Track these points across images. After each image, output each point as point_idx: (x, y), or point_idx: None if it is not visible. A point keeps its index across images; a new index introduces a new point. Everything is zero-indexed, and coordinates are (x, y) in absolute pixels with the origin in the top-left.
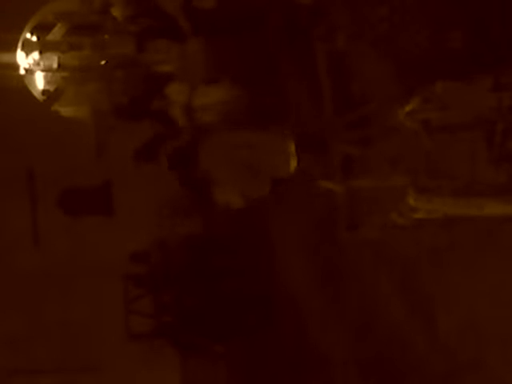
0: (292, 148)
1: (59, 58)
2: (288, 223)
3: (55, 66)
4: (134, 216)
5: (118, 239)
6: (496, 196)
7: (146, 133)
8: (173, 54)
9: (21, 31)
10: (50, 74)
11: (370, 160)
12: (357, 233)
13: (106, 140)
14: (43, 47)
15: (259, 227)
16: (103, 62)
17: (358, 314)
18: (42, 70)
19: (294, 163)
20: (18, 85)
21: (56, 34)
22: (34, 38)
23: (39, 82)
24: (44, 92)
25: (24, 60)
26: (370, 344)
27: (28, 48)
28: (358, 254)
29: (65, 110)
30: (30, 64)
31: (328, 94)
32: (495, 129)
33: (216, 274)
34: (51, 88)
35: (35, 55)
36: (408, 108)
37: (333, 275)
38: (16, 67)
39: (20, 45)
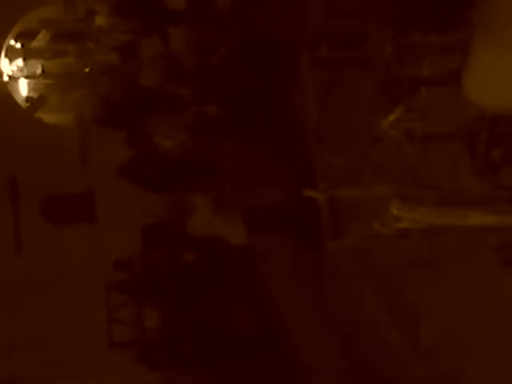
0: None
1: (43, 65)
2: (272, 232)
3: (39, 72)
4: (117, 224)
5: (101, 247)
6: (479, 206)
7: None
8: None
9: (4, 38)
10: (33, 80)
11: (353, 170)
12: (340, 242)
13: (89, 147)
14: (27, 54)
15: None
16: (87, 70)
17: (341, 323)
18: (26, 77)
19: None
20: (2, 91)
21: (40, 41)
22: (18, 45)
23: (23, 88)
24: (27, 99)
25: (8, 67)
26: (353, 353)
27: (12, 55)
28: (342, 262)
29: (48, 117)
30: (14, 71)
31: (314, 103)
32: (478, 139)
33: (199, 283)
34: (35, 95)
35: (19, 62)
36: (391, 118)
37: (316, 284)
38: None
39: (4, 51)
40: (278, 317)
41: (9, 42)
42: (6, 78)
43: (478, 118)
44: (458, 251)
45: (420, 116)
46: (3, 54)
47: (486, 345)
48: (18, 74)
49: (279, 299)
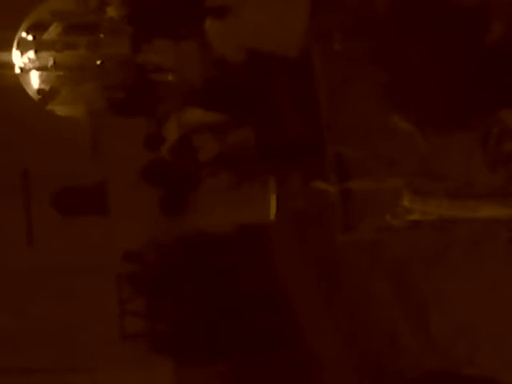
0: (273, 198)
1: (55, 57)
2: (284, 225)
3: (51, 64)
4: (129, 216)
5: (113, 239)
6: (490, 198)
7: (141, 133)
8: (169, 53)
9: (16, 30)
10: (45, 73)
11: (365, 162)
12: (352, 234)
13: (101, 139)
14: (39, 46)
15: (255, 229)
16: (99, 62)
17: (352, 316)
18: (38, 69)
19: (273, 211)
20: (13, 84)
21: (51, 33)
22: (30, 37)
23: (34, 81)
24: (39, 91)
25: (19, 59)
26: (364, 345)
27: (23, 47)
28: (353, 254)
29: (60, 109)
30: (26, 63)
31: (324, 97)
32: (490, 132)
33: (211, 274)
34: (46, 87)
35: (30, 54)
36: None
37: (328, 276)
38: (11, 66)
39: (15, 44)
40: (288, 310)
41: (20, 34)
42: (17, 71)
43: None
44: (469, 243)
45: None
46: (15, 46)
47: (496, 335)
48: (30, 66)
49: (291, 290)
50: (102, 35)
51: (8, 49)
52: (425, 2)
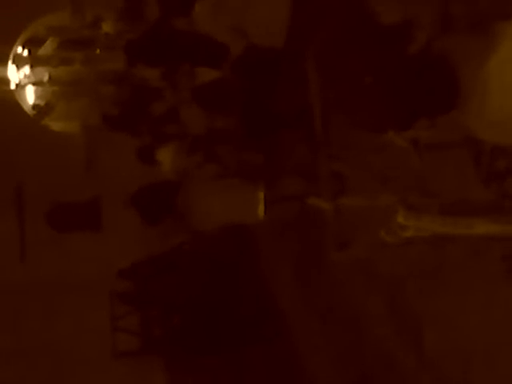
0: (261, 196)
1: (50, 72)
2: (277, 240)
3: (46, 80)
4: (123, 232)
5: (106, 255)
6: (485, 215)
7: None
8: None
9: (12, 45)
10: (40, 88)
11: (358, 178)
12: (346, 251)
13: (96, 155)
14: (34, 61)
15: (248, 243)
16: (94, 77)
17: (344, 332)
18: (33, 84)
19: (261, 211)
20: (8, 99)
21: (47, 48)
22: (25, 52)
23: (30, 96)
24: (34, 106)
25: (15, 74)
26: (356, 362)
27: (19, 62)
28: (347, 271)
29: (55, 125)
30: (21, 78)
31: (318, 111)
32: (483, 149)
33: (204, 290)
34: (42, 102)
35: (26, 69)
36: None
37: (321, 293)
38: (6, 81)
39: (11, 59)
40: (283, 323)
41: (16, 49)
42: (12, 86)
43: None
44: (464, 260)
45: (426, 124)
46: (10, 61)
47: (491, 354)
48: (25, 82)
49: (284, 307)
50: (97, 51)
51: (4, 64)
52: (355, 21)
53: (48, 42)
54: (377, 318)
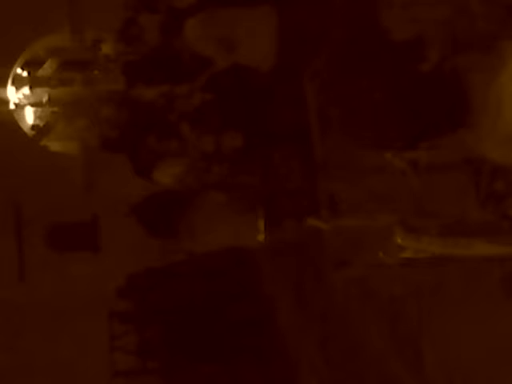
0: (260, 224)
1: (49, 93)
2: (276, 259)
3: (45, 100)
4: (121, 252)
5: (105, 275)
6: (483, 236)
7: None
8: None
9: (11, 66)
10: (39, 109)
11: (357, 199)
12: (344, 271)
13: (94, 176)
14: (33, 82)
15: (247, 262)
16: (93, 98)
17: (343, 352)
18: (32, 105)
19: (261, 237)
20: (8, 119)
21: (47, 69)
22: (25, 73)
23: (29, 116)
24: (33, 127)
25: (14, 95)
26: (356, 381)
27: (18, 83)
28: (345, 292)
29: (54, 145)
30: (20, 99)
31: (317, 130)
32: (482, 170)
33: (203, 309)
34: (41, 123)
35: (25, 90)
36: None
37: (320, 312)
38: (6, 102)
39: (10, 79)
40: (281, 341)
41: (15, 70)
42: (12, 106)
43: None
44: (462, 281)
45: (424, 146)
46: (10, 82)
47: (490, 372)
48: (24, 102)
49: (283, 326)
50: (96, 72)
51: (3, 85)
52: (366, 37)
53: (47, 63)
54: (376, 337)
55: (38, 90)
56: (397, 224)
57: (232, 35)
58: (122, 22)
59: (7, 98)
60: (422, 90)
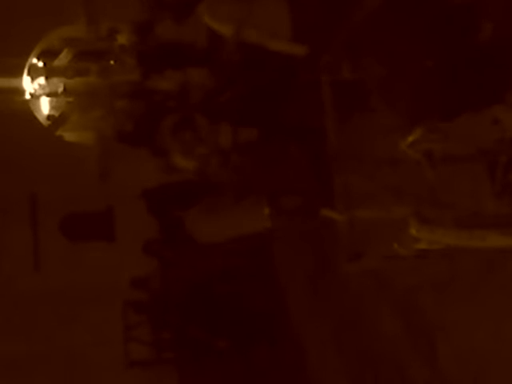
0: (272, 215)
1: (65, 83)
2: (289, 252)
3: (61, 91)
4: (136, 242)
5: (120, 265)
6: (498, 228)
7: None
8: (178, 81)
9: (27, 56)
10: (55, 99)
11: (371, 190)
12: (358, 263)
13: (110, 166)
14: (49, 73)
15: (260, 255)
16: (109, 88)
17: (357, 345)
18: (48, 95)
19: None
20: (23, 109)
21: (62, 59)
22: (41, 64)
23: (44, 107)
24: (49, 117)
25: (30, 85)
26: (369, 373)
27: (34, 73)
28: (359, 283)
29: (69, 136)
30: (36, 89)
31: (332, 124)
32: (498, 161)
33: (217, 300)
34: (56, 113)
35: (41, 80)
36: (411, 138)
37: (333, 304)
38: (21, 92)
39: (26, 70)
40: (294, 334)
41: (31, 61)
42: (27, 96)
43: (498, 140)
44: (477, 273)
45: (440, 137)
46: (25, 72)
47: (504, 366)
48: (40, 93)
49: (296, 318)
50: (112, 62)
51: (19, 75)
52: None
53: (63, 53)
54: (390, 330)
55: (54, 80)
56: (412, 215)
57: (249, 13)
58: (137, 12)
59: (23, 88)
60: (472, 60)
